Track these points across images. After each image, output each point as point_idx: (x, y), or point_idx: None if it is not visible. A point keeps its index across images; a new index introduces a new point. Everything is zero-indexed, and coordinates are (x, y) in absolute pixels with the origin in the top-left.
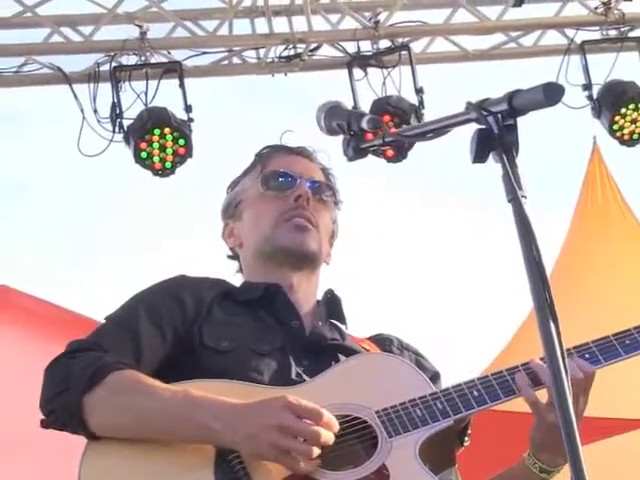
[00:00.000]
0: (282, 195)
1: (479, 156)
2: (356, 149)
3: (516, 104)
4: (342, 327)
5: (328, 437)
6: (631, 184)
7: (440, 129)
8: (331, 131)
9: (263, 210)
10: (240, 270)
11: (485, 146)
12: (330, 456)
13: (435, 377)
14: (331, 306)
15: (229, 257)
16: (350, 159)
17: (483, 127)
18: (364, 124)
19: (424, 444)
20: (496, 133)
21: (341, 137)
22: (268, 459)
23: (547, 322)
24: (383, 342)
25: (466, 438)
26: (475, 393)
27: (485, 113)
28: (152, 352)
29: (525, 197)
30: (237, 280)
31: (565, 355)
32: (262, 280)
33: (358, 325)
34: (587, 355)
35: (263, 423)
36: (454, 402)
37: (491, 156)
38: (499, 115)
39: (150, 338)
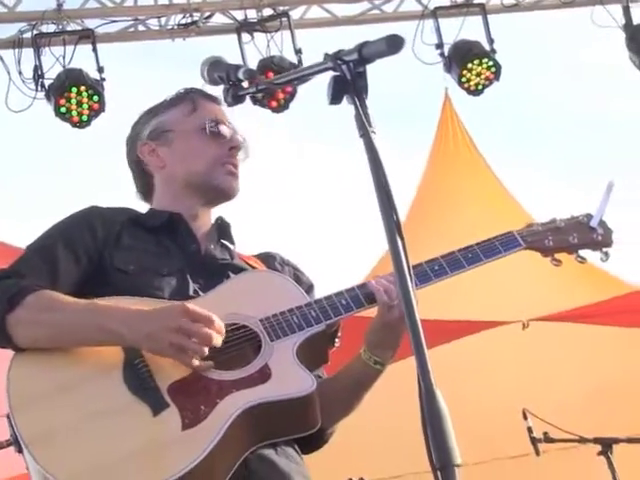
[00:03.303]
0: (220, 141)
1: (335, 98)
2: (234, 96)
3: (365, 53)
4: (231, 247)
5: (217, 339)
6: (477, 127)
7: (303, 77)
8: (213, 81)
9: (200, 148)
10: (141, 190)
11: (340, 90)
12: (222, 359)
13: (310, 289)
14: (221, 230)
15: (133, 173)
16: (229, 105)
17: (338, 74)
18: (240, 74)
19: (301, 346)
20: (349, 79)
21: (222, 87)
22: (167, 356)
23: (395, 240)
24: (267, 259)
25: (336, 340)
26: (343, 302)
27: (339, 62)
28: (68, 275)
29: (374, 132)
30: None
31: (411, 266)
32: (167, 207)
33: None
34: (436, 267)
35: (163, 325)
36: (325, 310)
37: (345, 98)
38: (351, 63)
39: (66, 263)
